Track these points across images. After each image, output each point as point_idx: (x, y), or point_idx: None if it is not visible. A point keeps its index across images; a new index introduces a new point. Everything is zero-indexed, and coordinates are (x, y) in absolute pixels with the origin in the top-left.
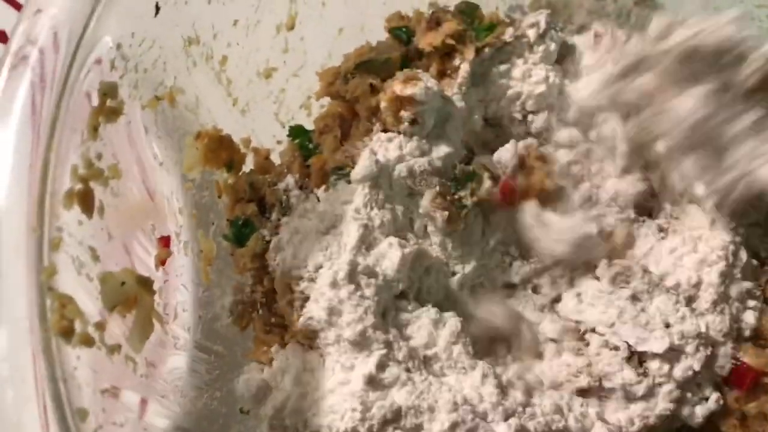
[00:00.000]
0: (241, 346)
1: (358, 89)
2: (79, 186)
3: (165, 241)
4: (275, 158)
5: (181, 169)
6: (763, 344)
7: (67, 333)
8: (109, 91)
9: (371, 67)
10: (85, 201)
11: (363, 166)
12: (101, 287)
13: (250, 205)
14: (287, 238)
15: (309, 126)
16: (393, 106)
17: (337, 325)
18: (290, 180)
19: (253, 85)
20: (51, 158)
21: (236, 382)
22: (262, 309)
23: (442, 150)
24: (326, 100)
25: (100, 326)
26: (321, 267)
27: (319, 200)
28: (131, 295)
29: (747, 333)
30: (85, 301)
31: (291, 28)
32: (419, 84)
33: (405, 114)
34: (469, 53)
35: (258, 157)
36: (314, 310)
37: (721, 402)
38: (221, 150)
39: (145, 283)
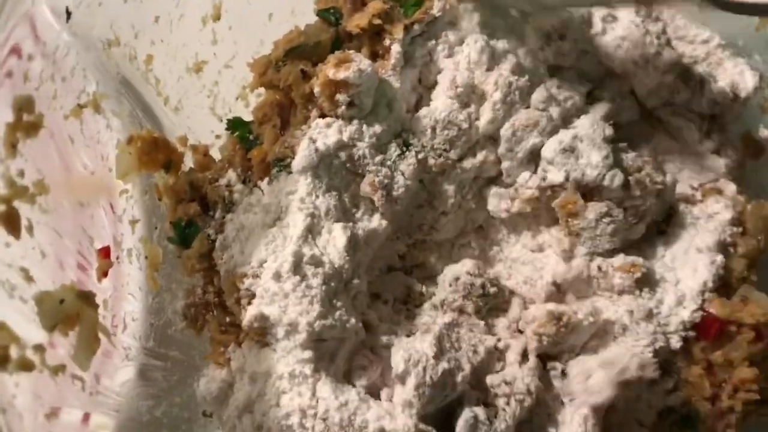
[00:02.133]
0: (199, 349)
1: (291, 77)
2: (1, 207)
3: (105, 252)
4: (215, 154)
5: (114, 175)
6: (728, 294)
7: (2, 361)
8: (24, 105)
9: (301, 52)
10: (10, 222)
11: (302, 155)
12: (38, 308)
13: (192, 204)
14: (233, 235)
15: (248, 117)
16: (328, 91)
17: (283, 320)
18: (232, 175)
19: (184, 81)
20: None
21: (196, 385)
22: (216, 309)
23: (381, 131)
24: (263, 90)
25: (40, 348)
26: (266, 261)
27: (263, 193)
28: (72, 312)
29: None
30: (21, 325)
31: (217, 18)
32: (352, 66)
33: (341, 97)
34: (398, 32)
35: (197, 154)
36: (260, 306)
37: None
38: (156, 152)
39: (87, 298)
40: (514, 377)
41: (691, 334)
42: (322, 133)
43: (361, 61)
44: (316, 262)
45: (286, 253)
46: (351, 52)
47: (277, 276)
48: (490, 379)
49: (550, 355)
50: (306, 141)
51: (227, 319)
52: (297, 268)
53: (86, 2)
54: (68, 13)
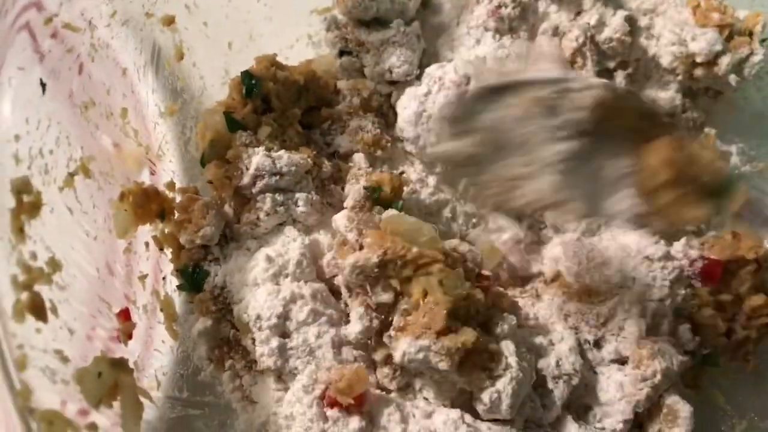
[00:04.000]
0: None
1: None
2: (24, 294)
3: (125, 315)
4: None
5: (115, 235)
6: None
7: None
8: (22, 187)
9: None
10: (36, 307)
11: None
12: (80, 387)
13: (195, 249)
14: (232, 279)
15: None
16: None
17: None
18: (227, 209)
19: (161, 127)
20: None
21: (237, 424)
22: (237, 346)
23: None
24: None
25: (93, 427)
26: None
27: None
28: (111, 383)
29: None
30: (69, 407)
31: (180, 58)
32: None
33: None
34: None
35: (186, 196)
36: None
37: None
38: (149, 203)
39: (121, 365)
40: (560, 358)
41: (697, 282)
42: None
43: None
44: None
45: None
46: None
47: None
48: (542, 363)
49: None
50: None
51: (249, 355)
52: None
53: (56, 70)
54: (43, 86)
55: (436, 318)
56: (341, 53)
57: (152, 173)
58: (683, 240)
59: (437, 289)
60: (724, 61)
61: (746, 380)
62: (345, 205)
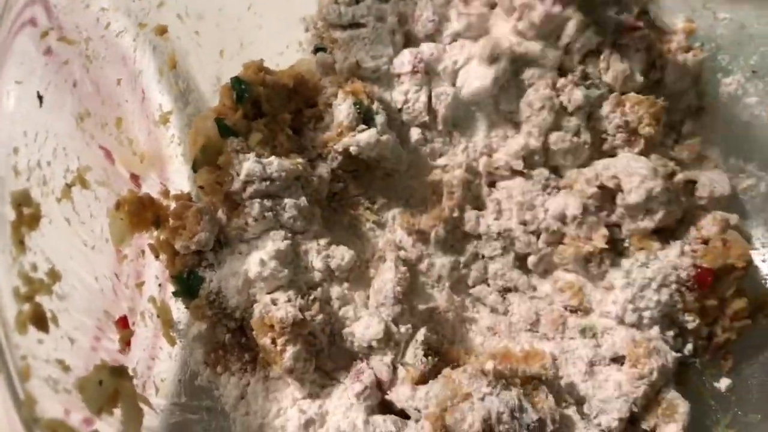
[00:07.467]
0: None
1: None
2: (26, 306)
3: (123, 322)
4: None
5: (112, 244)
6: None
7: None
8: (22, 199)
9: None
10: (38, 318)
11: None
12: (82, 395)
13: (190, 256)
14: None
15: None
16: None
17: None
18: (220, 215)
19: (154, 136)
20: None
21: (235, 428)
22: (233, 348)
23: None
24: None
25: None
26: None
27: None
28: (111, 390)
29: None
30: (72, 416)
31: (173, 67)
32: None
33: None
34: None
35: (180, 202)
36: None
37: None
38: (145, 211)
39: (121, 372)
40: None
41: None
42: None
43: None
44: None
45: None
46: None
47: None
48: None
49: None
50: None
51: (246, 356)
52: None
53: (54, 83)
54: (40, 98)
55: None
56: (316, 50)
57: (135, 181)
58: (676, 249)
59: None
60: None
61: (727, 376)
62: None
